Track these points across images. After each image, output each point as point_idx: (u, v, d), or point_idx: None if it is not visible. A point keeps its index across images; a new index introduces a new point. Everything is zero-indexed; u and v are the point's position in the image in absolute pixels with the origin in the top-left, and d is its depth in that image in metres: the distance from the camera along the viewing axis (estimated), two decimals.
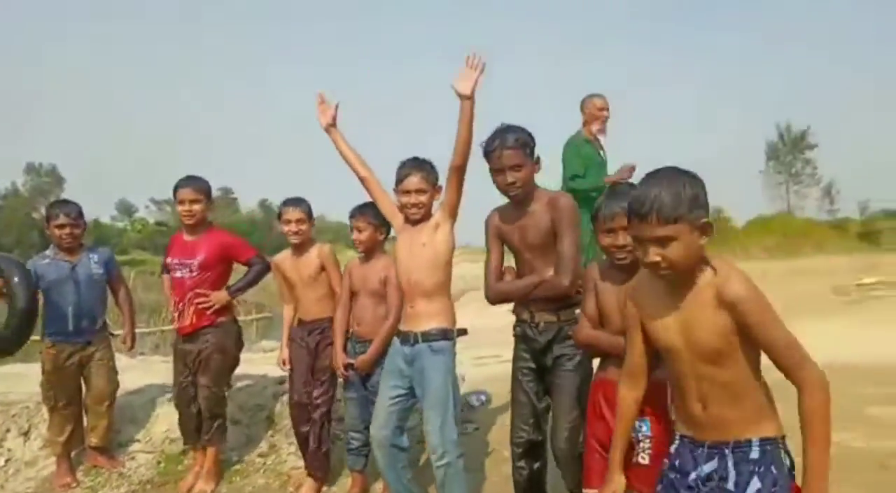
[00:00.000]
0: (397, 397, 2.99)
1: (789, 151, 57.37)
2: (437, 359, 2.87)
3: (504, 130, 2.73)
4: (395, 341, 3.05)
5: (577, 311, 2.52)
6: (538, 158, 2.77)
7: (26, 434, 4.43)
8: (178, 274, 3.86)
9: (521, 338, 2.86)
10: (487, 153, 2.74)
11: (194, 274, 3.82)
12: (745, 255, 19.41)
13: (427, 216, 2.95)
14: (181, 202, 3.85)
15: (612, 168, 5.14)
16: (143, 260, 40.72)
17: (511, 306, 2.93)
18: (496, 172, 2.73)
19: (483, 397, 4.44)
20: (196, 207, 3.84)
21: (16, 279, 3.69)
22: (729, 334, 1.72)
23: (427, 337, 2.89)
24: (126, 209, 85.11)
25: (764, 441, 1.77)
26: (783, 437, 1.79)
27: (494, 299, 2.91)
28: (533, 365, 2.78)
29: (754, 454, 1.76)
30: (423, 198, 2.91)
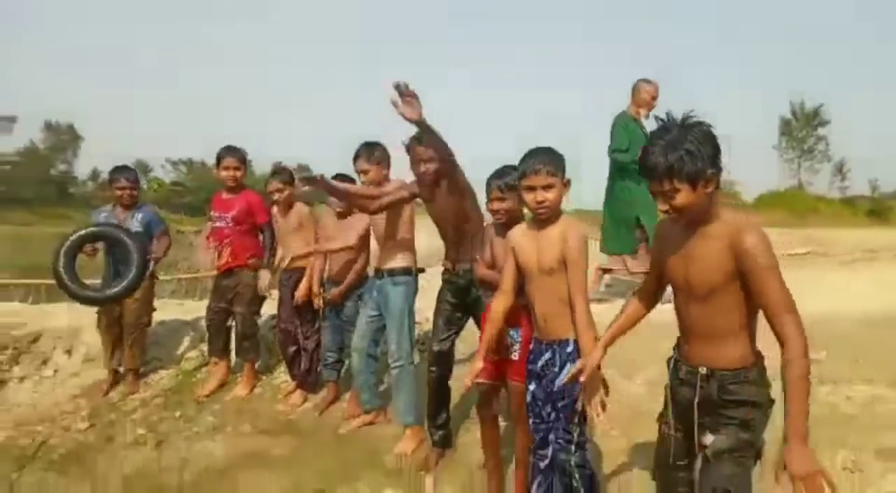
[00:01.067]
0: (372, 317, 3.94)
1: (802, 127, 57.34)
2: (397, 289, 3.81)
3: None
4: (373, 276, 4.00)
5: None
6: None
7: (69, 352, 5.44)
8: (218, 224, 4.80)
9: (446, 281, 3.74)
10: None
11: (229, 225, 4.76)
12: None
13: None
14: (226, 169, 4.74)
15: None
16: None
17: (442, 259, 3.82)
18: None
19: None
20: (238, 173, 4.76)
21: (134, 249, 4.61)
22: (560, 260, 2.62)
23: (391, 273, 3.83)
24: (142, 169, 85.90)
25: (576, 341, 2.67)
26: None
27: None
28: (454, 300, 3.63)
29: (569, 348, 2.67)
30: (370, 175, 3.83)
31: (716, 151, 1.93)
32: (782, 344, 1.87)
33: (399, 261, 3.86)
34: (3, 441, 4.49)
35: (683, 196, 1.92)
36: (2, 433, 4.59)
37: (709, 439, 2.03)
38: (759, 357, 2.06)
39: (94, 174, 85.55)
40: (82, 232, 4.67)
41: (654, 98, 5.76)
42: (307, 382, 4.70)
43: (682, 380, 2.11)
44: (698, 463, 2.08)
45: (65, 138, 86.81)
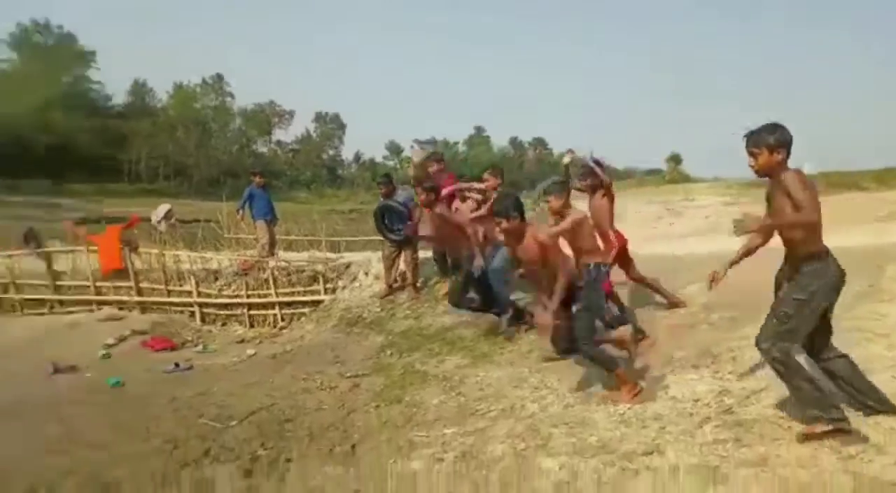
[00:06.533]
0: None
1: None
2: (497, 253, 6.90)
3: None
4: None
5: None
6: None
7: (366, 274, 9.45)
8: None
9: None
10: None
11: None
12: None
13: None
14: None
15: None
16: None
17: None
18: None
19: None
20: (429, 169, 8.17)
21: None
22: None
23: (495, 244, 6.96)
24: (394, 149, 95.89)
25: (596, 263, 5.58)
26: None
27: None
28: None
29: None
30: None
31: None
32: None
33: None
34: (341, 314, 8.62)
35: None
36: (340, 312, 8.70)
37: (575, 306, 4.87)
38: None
39: (357, 157, 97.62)
40: (384, 204, 8.68)
41: None
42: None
43: None
44: None
45: (332, 127, 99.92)
